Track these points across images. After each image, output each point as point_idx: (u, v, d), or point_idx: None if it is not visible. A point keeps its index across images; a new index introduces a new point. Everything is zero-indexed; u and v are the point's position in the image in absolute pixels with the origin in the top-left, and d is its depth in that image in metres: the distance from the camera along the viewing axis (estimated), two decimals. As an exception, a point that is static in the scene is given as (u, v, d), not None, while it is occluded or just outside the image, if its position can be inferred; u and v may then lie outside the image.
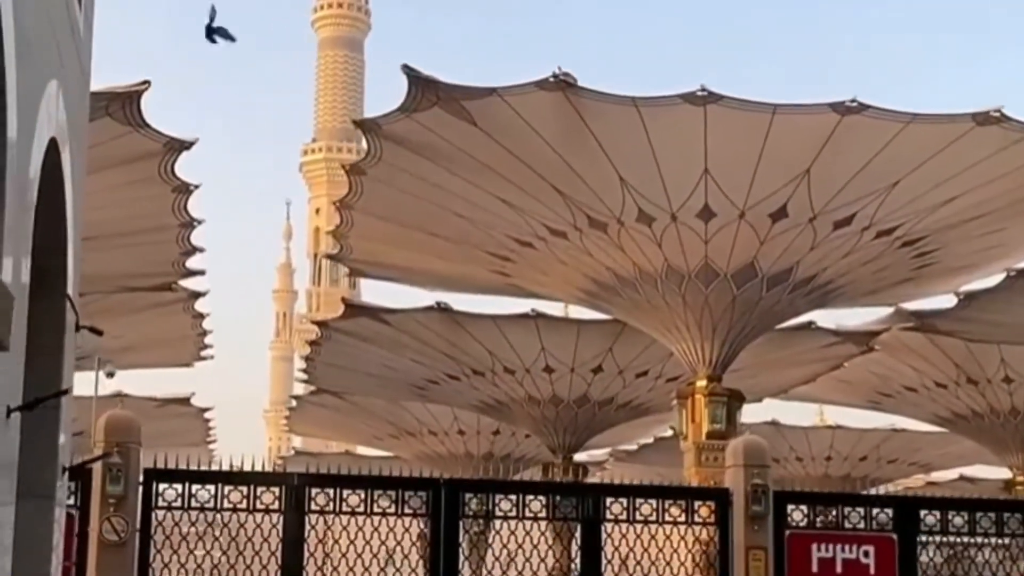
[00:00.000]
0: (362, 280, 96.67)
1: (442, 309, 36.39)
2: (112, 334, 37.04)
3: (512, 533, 17.29)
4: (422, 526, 17.55)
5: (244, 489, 16.80)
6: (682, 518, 17.68)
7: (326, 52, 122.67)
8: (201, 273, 34.89)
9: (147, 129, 25.31)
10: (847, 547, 17.58)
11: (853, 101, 24.55)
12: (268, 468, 17.93)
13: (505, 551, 17.34)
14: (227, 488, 16.78)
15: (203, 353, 43.63)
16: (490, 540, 17.83)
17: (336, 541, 16.98)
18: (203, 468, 16.83)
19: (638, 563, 17.46)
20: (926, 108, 27.36)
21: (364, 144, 28.38)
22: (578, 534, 17.70)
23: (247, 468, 16.83)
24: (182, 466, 16.72)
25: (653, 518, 17.52)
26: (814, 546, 17.55)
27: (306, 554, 16.85)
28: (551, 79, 24.31)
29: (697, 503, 17.84)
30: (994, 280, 33.46)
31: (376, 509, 17.02)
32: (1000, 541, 18.16)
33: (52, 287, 10.53)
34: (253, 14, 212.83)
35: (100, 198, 26.93)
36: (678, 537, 17.62)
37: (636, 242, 28.60)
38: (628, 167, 26.70)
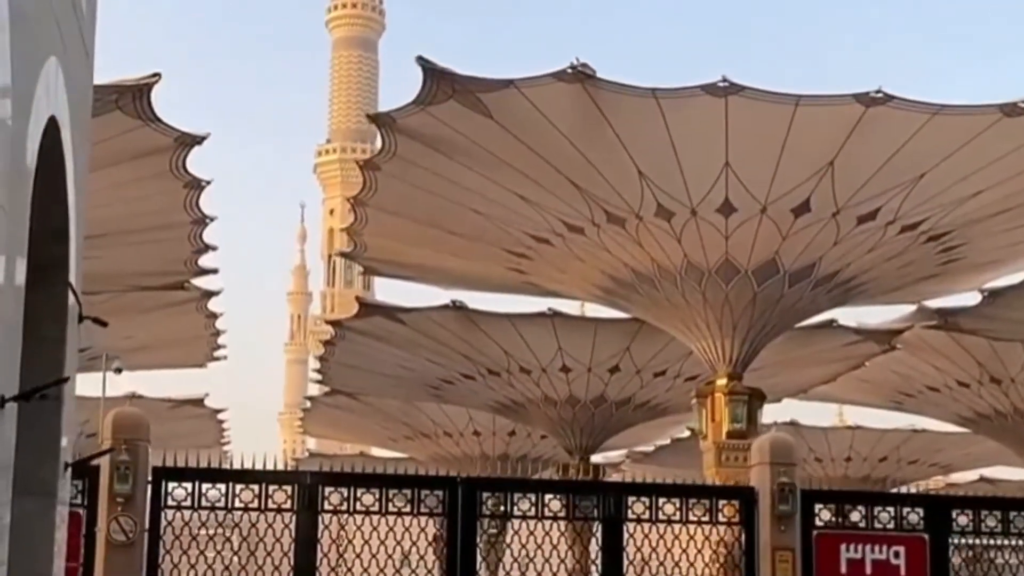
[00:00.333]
0: (376, 282, 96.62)
1: (457, 308, 35.98)
2: (123, 334, 36.97)
3: (531, 533, 16.83)
4: (438, 526, 17.11)
5: (255, 488, 16.40)
6: (706, 518, 17.19)
7: (340, 52, 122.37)
8: (214, 271, 34.51)
9: (158, 123, 24.90)
10: (877, 548, 17.09)
11: (878, 92, 24.05)
12: (280, 468, 17.48)
13: (524, 551, 16.86)
14: (238, 487, 16.37)
15: (216, 354, 43.28)
16: (508, 540, 17.35)
17: (350, 541, 16.54)
18: (213, 467, 16.41)
19: (661, 564, 16.97)
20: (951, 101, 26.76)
21: (379, 144, 27.99)
22: (599, 534, 17.19)
23: (258, 467, 16.41)
24: (192, 464, 16.30)
25: (676, 517, 17.05)
26: (843, 547, 17.06)
27: (319, 555, 16.42)
28: (569, 70, 23.85)
29: (721, 502, 17.34)
30: (1019, 276, 32.95)
31: (391, 508, 16.58)
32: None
33: (53, 275, 10.11)
34: (267, 15, 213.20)
35: (110, 194, 26.58)
36: (702, 537, 17.13)
37: (655, 237, 28.13)
38: (647, 160, 26.24)
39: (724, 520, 17.26)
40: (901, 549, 17.13)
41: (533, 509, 16.97)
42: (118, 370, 29.23)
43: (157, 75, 23.98)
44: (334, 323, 41.08)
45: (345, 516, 16.59)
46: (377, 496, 16.58)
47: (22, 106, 7.65)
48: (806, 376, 41.87)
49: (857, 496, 19.05)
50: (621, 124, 25.26)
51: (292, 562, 16.25)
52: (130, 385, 38.68)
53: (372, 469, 18.91)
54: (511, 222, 29.24)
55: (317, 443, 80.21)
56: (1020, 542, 17.60)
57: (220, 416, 51.22)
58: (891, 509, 17.33)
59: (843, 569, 17.00)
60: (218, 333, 40.68)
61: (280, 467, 17.31)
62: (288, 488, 16.45)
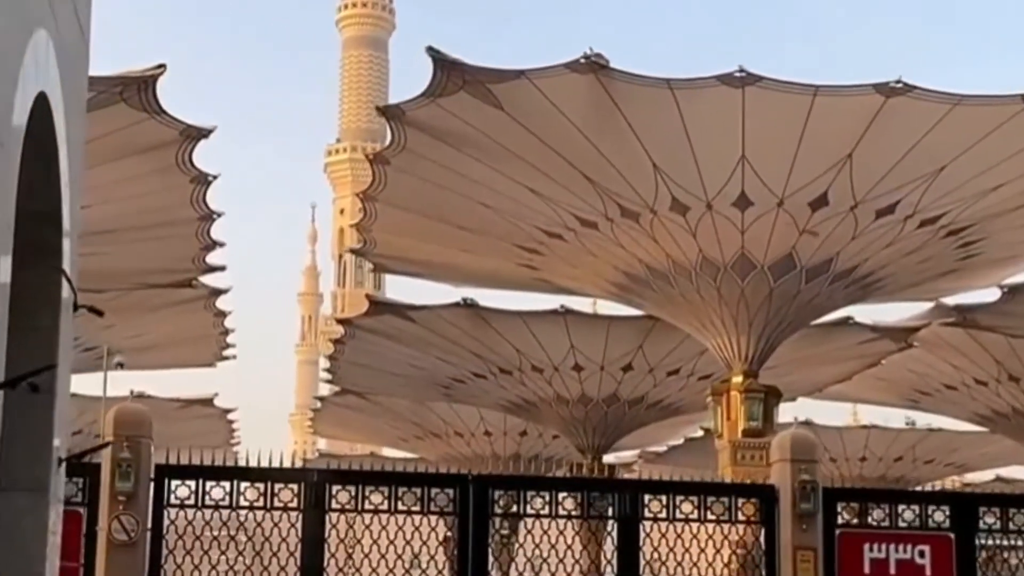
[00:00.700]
0: (387, 281, 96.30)
1: (468, 305, 35.61)
2: (131, 333, 36.60)
3: (545, 533, 16.35)
4: (449, 525, 16.63)
5: (261, 486, 15.90)
6: (724, 516, 16.67)
7: (350, 52, 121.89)
8: (222, 269, 34.13)
9: (163, 115, 24.53)
10: (901, 547, 16.55)
11: (898, 82, 23.61)
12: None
13: (537, 551, 16.37)
14: (243, 485, 15.89)
15: (225, 353, 42.91)
16: (521, 540, 16.87)
17: (358, 541, 16.06)
18: (217, 464, 15.95)
19: (678, 564, 16.46)
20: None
21: (388, 140, 27.61)
22: (614, 533, 16.67)
23: (264, 464, 15.94)
24: (195, 462, 15.84)
25: (694, 516, 16.54)
26: (866, 546, 16.52)
27: (327, 555, 15.94)
28: (582, 60, 23.46)
29: (741, 500, 16.81)
30: (1039, 273, 32.50)
31: (400, 507, 16.09)
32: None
33: (46, 261, 9.70)
34: (276, 14, 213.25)
35: (115, 189, 26.23)
36: (721, 537, 16.63)
37: (670, 232, 27.71)
38: (662, 153, 25.81)
39: (743, 519, 16.75)
40: (926, 548, 16.59)
41: (547, 508, 16.47)
42: (120, 364, 28.98)
43: (162, 66, 23.61)
44: (344, 321, 40.75)
45: (353, 515, 16.10)
46: (386, 494, 16.09)
47: (6, 71, 7.21)
48: (821, 374, 41.41)
49: (881, 494, 18.47)
50: (635, 115, 24.84)
51: (299, 562, 15.77)
52: (138, 385, 38.29)
53: (381, 467, 18.48)
54: (522, 217, 28.84)
55: (328, 444, 79.84)
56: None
57: (230, 416, 50.78)
58: (915, 507, 16.78)
59: (866, 569, 16.44)
60: (227, 332, 40.32)
61: (287, 465, 16.82)
62: (294, 486, 15.96)
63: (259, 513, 16.01)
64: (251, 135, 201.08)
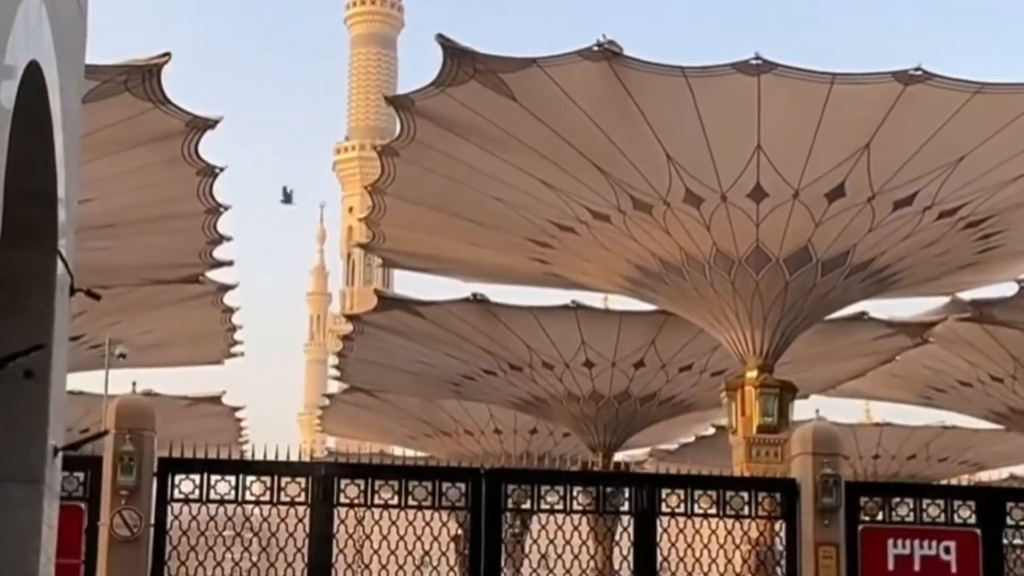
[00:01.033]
0: (395, 278, 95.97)
1: (478, 301, 35.19)
2: (137, 330, 36.21)
3: (559, 528, 15.91)
4: (460, 520, 16.19)
5: (267, 480, 15.48)
6: (744, 511, 16.22)
7: (359, 49, 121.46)
8: (229, 263, 33.72)
9: (169, 105, 24.10)
10: (926, 543, 16.10)
11: (917, 69, 23.12)
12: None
13: (551, 547, 15.93)
14: (249, 479, 15.47)
15: (233, 350, 42.53)
16: (534, 535, 16.43)
17: (367, 536, 15.62)
18: (223, 458, 15.54)
19: (697, 560, 16.01)
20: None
21: (397, 132, 27.18)
22: (630, 529, 16.21)
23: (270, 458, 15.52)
24: (200, 455, 15.43)
25: (712, 511, 16.10)
26: (890, 542, 16.07)
27: (335, 551, 15.51)
28: (595, 48, 22.99)
29: (760, 495, 16.36)
30: (1058, 266, 31.98)
31: (411, 502, 15.66)
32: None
33: (39, 241, 9.28)
34: (284, 12, 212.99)
35: (120, 182, 25.84)
36: (740, 532, 16.17)
37: (683, 225, 27.24)
38: (675, 144, 25.34)
39: (764, 514, 16.30)
40: (952, 544, 16.14)
41: (561, 503, 16.05)
42: (122, 355, 28.60)
43: (167, 55, 23.19)
44: (353, 317, 40.36)
45: (362, 510, 15.66)
46: (396, 489, 15.67)
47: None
48: (835, 371, 40.91)
49: (905, 488, 18.00)
50: (648, 105, 24.39)
51: (306, 559, 15.36)
52: (145, 382, 37.95)
53: (391, 462, 18.07)
54: (533, 209, 28.39)
55: (337, 442, 79.53)
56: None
57: (238, 415, 50.37)
58: (940, 502, 16.34)
59: (890, 566, 16.01)
60: (234, 328, 39.95)
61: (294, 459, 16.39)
62: (302, 480, 15.56)
63: (265, 508, 15.59)
64: (256, 134, 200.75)
